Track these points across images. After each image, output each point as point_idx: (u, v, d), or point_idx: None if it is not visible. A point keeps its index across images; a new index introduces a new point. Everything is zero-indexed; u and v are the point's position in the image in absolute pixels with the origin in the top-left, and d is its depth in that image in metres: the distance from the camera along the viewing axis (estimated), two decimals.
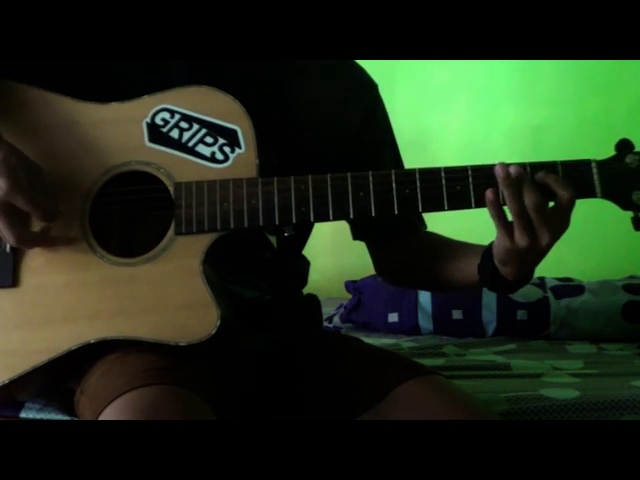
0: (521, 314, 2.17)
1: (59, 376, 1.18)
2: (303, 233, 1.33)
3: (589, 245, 2.52)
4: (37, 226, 1.14)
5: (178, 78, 1.19)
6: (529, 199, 1.05)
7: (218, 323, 1.06)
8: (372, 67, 1.37)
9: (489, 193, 1.06)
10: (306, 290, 1.37)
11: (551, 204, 1.07)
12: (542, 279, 2.25)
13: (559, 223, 1.07)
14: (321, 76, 1.29)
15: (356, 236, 1.36)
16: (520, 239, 1.06)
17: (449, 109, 2.96)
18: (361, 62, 1.34)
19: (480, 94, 2.95)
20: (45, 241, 1.13)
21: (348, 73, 1.33)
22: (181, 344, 1.07)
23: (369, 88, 1.34)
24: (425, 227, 1.35)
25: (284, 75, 1.25)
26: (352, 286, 2.45)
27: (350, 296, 2.45)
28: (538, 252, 1.08)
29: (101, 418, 0.99)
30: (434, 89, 2.98)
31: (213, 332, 1.06)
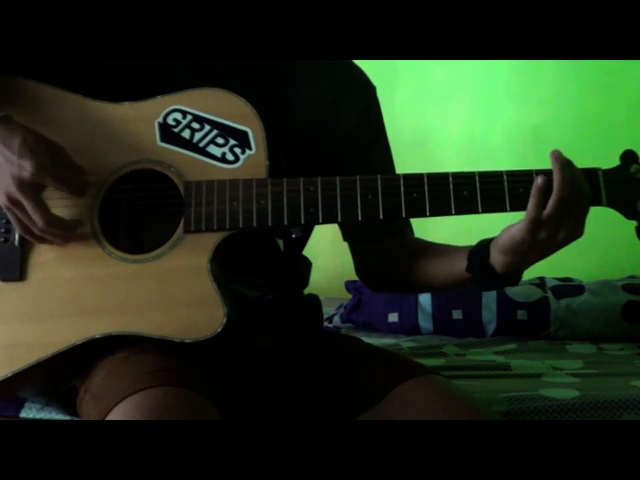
0: (521, 314, 2.17)
1: (62, 373, 1.18)
2: (305, 233, 1.33)
3: (589, 245, 2.50)
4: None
5: (180, 78, 1.20)
6: (578, 186, 1.06)
7: (224, 321, 1.07)
8: (373, 67, 1.37)
9: (540, 179, 1.06)
10: (306, 290, 1.38)
11: None
12: (542, 279, 2.25)
13: (576, 227, 1.08)
14: (319, 76, 1.29)
15: (345, 237, 1.36)
16: (547, 229, 1.06)
17: (449, 109, 2.96)
18: (362, 62, 1.34)
19: (480, 94, 2.94)
20: (69, 226, 1.13)
21: (346, 73, 1.33)
22: (187, 341, 1.07)
23: (366, 89, 1.35)
24: (412, 233, 1.35)
25: (283, 74, 1.26)
26: (352, 286, 2.45)
27: (350, 296, 2.45)
28: (547, 248, 1.08)
29: (108, 418, 0.99)
30: (434, 89, 2.98)
31: (219, 330, 1.07)
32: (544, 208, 1.06)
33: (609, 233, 2.13)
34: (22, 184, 1.07)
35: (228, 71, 1.22)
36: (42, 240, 1.13)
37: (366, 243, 1.34)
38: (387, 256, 1.33)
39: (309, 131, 1.25)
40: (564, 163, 1.07)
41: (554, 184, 1.06)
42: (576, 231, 1.08)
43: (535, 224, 1.06)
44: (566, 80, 2.82)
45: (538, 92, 2.87)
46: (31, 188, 1.08)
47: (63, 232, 1.13)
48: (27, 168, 1.06)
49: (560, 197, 1.06)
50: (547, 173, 1.09)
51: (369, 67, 1.35)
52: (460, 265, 1.17)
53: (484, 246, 1.14)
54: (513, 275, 1.14)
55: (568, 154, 1.10)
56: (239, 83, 1.19)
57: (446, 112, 2.96)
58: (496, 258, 1.12)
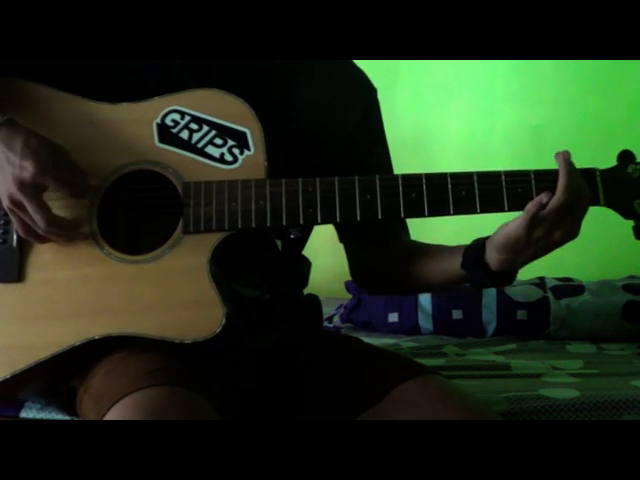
0: (521, 314, 2.17)
1: (61, 374, 1.18)
2: (305, 233, 1.33)
3: (589, 245, 2.52)
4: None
5: (180, 78, 1.20)
6: (580, 190, 1.07)
7: (223, 321, 1.07)
8: (373, 67, 1.36)
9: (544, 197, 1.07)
10: (306, 290, 1.37)
11: None
12: (542, 279, 2.25)
13: (573, 228, 1.08)
14: (321, 76, 1.29)
15: (341, 239, 1.36)
16: (544, 228, 1.07)
17: (449, 109, 2.96)
18: (362, 62, 1.34)
19: (480, 94, 2.95)
20: (70, 227, 1.13)
21: (348, 74, 1.33)
22: (186, 341, 1.07)
23: (368, 91, 1.35)
24: (408, 237, 1.34)
25: (284, 75, 1.26)
26: (352, 286, 2.45)
27: (350, 296, 2.45)
28: (542, 247, 1.09)
29: (106, 418, 0.99)
30: (434, 89, 2.98)
31: (218, 330, 1.07)
32: (544, 208, 1.07)
33: (609, 233, 2.13)
34: (23, 184, 1.08)
35: (228, 72, 1.22)
36: (44, 240, 1.14)
37: (362, 245, 1.34)
38: (383, 258, 1.32)
39: (309, 132, 1.25)
40: (571, 170, 1.08)
41: (558, 188, 1.07)
42: (572, 232, 1.09)
43: (532, 222, 1.07)
44: (566, 80, 2.82)
45: (537, 92, 2.87)
46: (32, 189, 1.08)
47: (64, 232, 1.13)
48: (28, 169, 1.07)
49: (562, 201, 1.07)
50: (542, 174, 1.09)
51: (369, 67, 1.35)
52: (456, 263, 1.17)
53: (479, 243, 1.14)
54: (508, 273, 1.15)
55: None
56: (239, 84, 1.19)
57: (446, 112, 2.97)
58: (491, 255, 1.12)
